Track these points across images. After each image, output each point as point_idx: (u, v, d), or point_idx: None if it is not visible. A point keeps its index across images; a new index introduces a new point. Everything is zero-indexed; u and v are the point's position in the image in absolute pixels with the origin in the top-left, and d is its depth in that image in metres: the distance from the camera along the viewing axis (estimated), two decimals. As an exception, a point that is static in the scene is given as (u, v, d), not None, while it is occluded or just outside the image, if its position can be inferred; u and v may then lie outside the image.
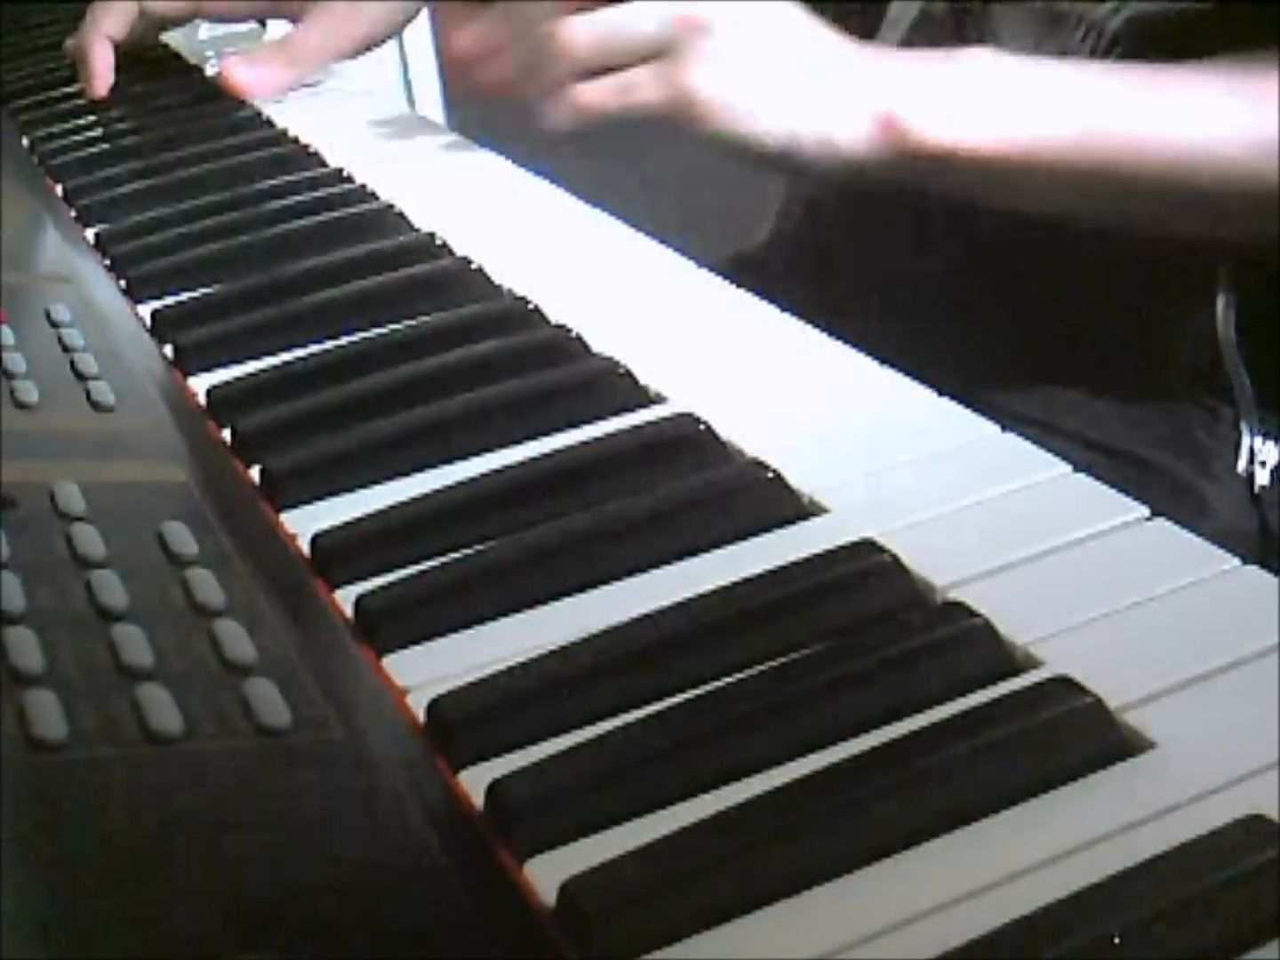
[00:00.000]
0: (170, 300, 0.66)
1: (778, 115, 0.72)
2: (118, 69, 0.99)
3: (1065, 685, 0.37)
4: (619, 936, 0.32)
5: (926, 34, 0.85)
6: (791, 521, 0.47)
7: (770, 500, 0.47)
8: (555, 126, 0.73)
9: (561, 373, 0.56)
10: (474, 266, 0.66)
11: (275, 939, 0.31)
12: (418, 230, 0.71)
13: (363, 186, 0.77)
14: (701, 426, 0.51)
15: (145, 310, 0.65)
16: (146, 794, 0.35)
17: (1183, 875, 0.32)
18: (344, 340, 0.61)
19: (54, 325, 0.61)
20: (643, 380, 0.55)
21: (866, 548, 0.43)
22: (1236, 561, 0.43)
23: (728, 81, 0.71)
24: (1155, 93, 0.72)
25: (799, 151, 0.72)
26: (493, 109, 0.74)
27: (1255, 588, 0.42)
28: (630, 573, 0.45)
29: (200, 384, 0.58)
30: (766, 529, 0.46)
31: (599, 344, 0.58)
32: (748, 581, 0.43)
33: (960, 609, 0.41)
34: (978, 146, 0.71)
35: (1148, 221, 0.74)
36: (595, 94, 0.72)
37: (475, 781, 0.37)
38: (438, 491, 0.49)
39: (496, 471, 0.50)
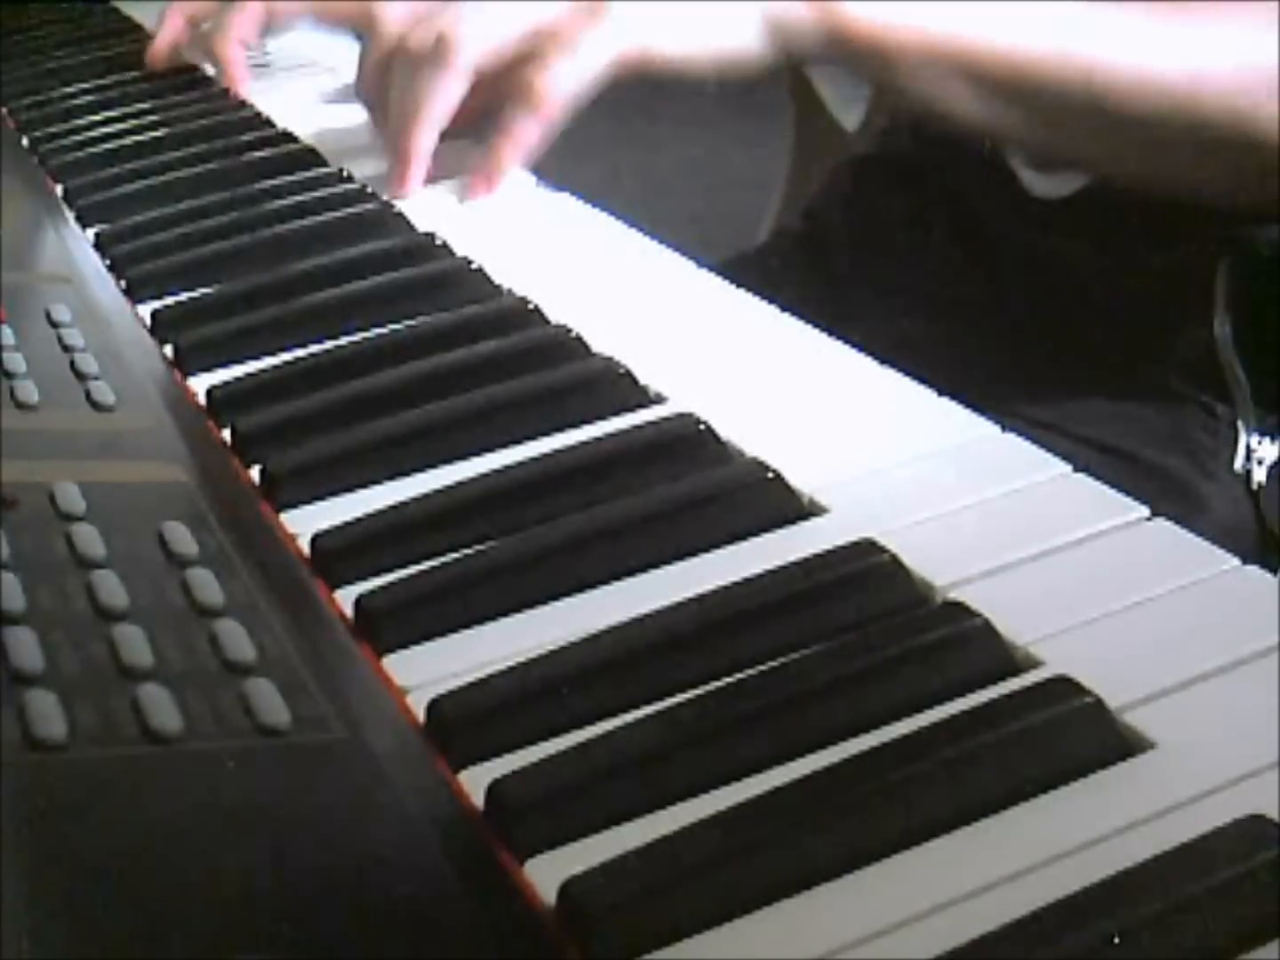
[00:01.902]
0: (170, 300, 0.66)
1: (703, 18, 0.72)
2: (116, 70, 0.99)
3: (1065, 685, 0.37)
4: (619, 936, 0.32)
5: None
6: (791, 521, 0.47)
7: (770, 500, 0.47)
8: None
9: (561, 373, 0.56)
10: (474, 266, 0.66)
11: (275, 939, 0.31)
12: (418, 230, 0.71)
13: (363, 187, 0.77)
14: (701, 426, 0.51)
15: (145, 310, 0.65)
16: (146, 794, 0.35)
17: (1183, 875, 0.32)
18: (344, 340, 0.62)
19: (54, 325, 0.61)
20: (643, 380, 0.55)
21: (866, 548, 0.43)
22: (1236, 561, 0.43)
23: (635, 17, 0.71)
24: (1125, 15, 0.70)
25: (737, 45, 0.72)
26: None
27: (1255, 588, 0.42)
28: (630, 573, 0.45)
29: (200, 384, 0.58)
30: (766, 529, 0.46)
31: (599, 344, 0.58)
32: (748, 581, 0.43)
33: (960, 609, 0.41)
34: (907, 36, 0.70)
35: (1105, 152, 0.73)
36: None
37: (475, 781, 0.37)
38: (438, 491, 0.49)
39: (497, 471, 0.50)
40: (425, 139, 0.74)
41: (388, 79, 0.76)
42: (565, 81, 0.71)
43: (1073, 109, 0.70)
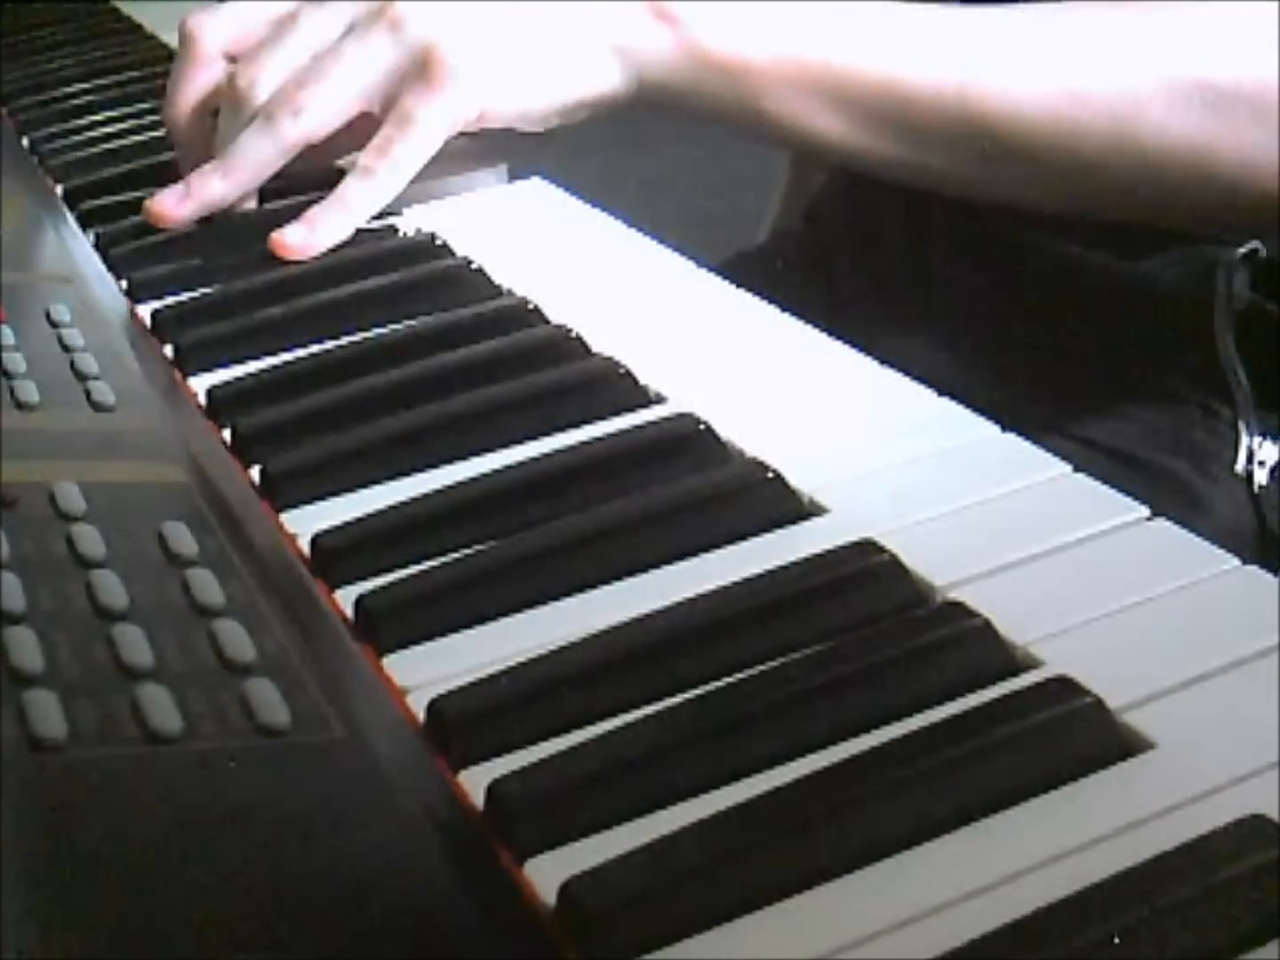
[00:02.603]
0: (170, 300, 0.66)
1: (551, 64, 0.70)
2: (116, 70, 0.99)
3: (1065, 685, 0.37)
4: (619, 936, 0.32)
5: None
6: (791, 521, 0.47)
7: (770, 500, 0.47)
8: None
9: (561, 373, 0.56)
10: (474, 266, 0.66)
11: (275, 939, 0.31)
12: (418, 230, 0.71)
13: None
14: (701, 426, 0.51)
15: (145, 310, 0.65)
16: (146, 794, 0.35)
17: (1183, 875, 0.32)
18: (344, 340, 0.62)
19: (54, 325, 0.61)
20: (643, 380, 0.55)
21: (866, 548, 0.43)
22: (1236, 561, 0.43)
23: (475, 78, 0.68)
24: (999, 34, 0.68)
25: (593, 85, 0.70)
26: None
27: (1255, 588, 0.42)
28: (630, 573, 0.45)
29: (200, 384, 0.58)
30: (766, 529, 0.46)
31: (599, 344, 0.58)
32: (748, 581, 0.43)
33: (960, 609, 0.41)
34: (770, 60, 0.68)
35: (970, 180, 0.71)
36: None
37: (475, 781, 0.37)
38: (438, 491, 0.49)
39: (496, 471, 0.50)
40: (227, 194, 0.71)
41: (212, 117, 0.72)
42: (404, 161, 0.69)
43: (948, 134, 0.68)
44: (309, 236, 0.68)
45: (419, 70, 0.68)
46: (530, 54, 0.70)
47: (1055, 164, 0.68)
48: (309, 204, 0.72)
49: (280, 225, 0.71)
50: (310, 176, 0.75)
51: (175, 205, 0.71)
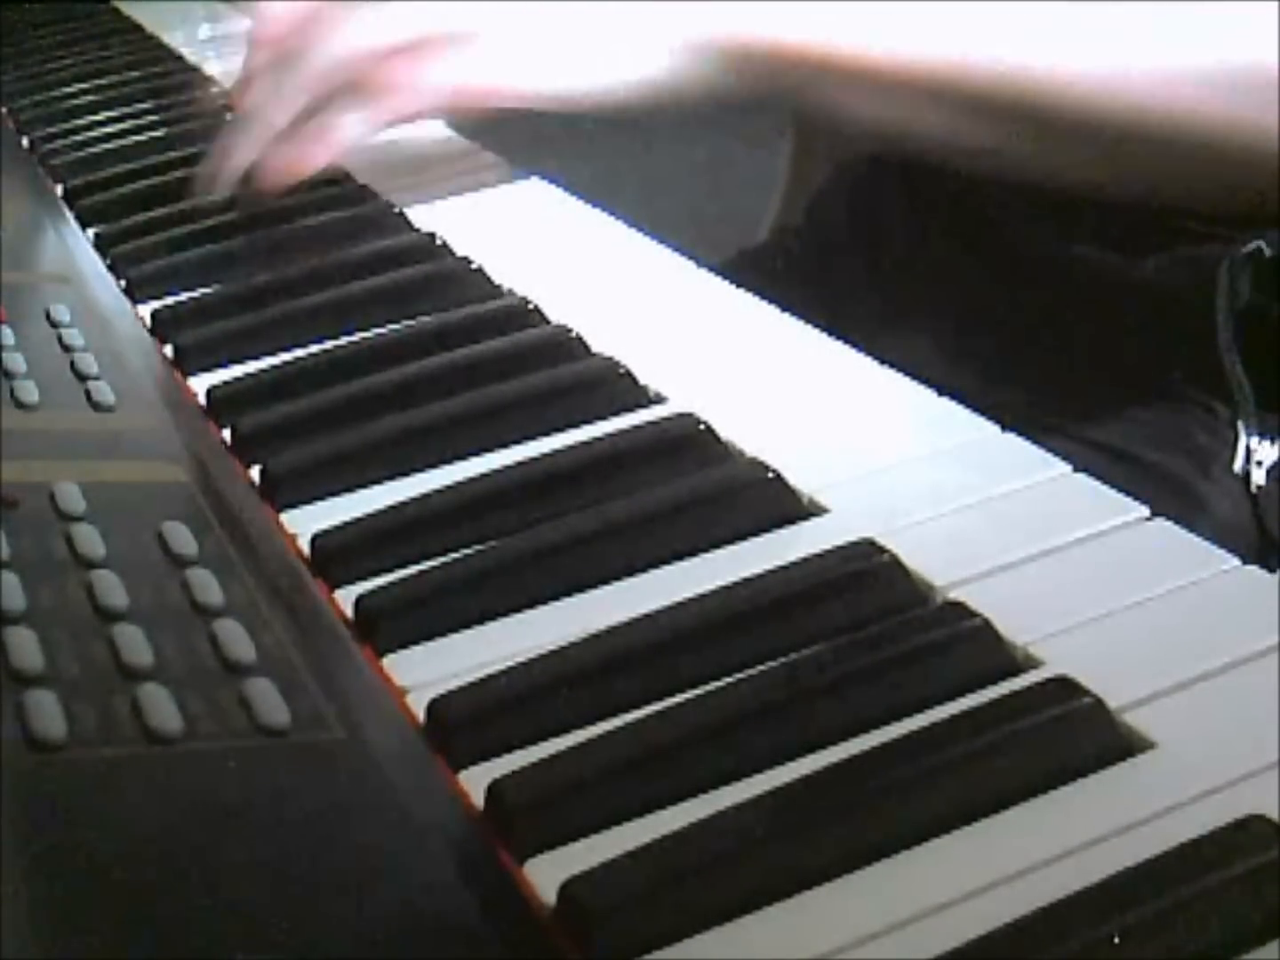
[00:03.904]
0: (170, 300, 0.66)
1: (577, 50, 0.70)
2: (116, 70, 0.99)
3: (1065, 685, 0.37)
4: (619, 936, 0.32)
5: None
6: (791, 521, 0.47)
7: (770, 500, 0.47)
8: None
9: (561, 373, 0.56)
10: (474, 266, 0.66)
11: (275, 939, 0.31)
12: (418, 230, 0.71)
13: (362, 186, 0.77)
14: (701, 426, 0.51)
15: (145, 310, 0.65)
16: (146, 794, 0.35)
17: (1183, 875, 0.32)
18: (344, 340, 0.62)
19: (54, 325, 0.61)
20: (643, 380, 0.55)
21: (866, 548, 0.43)
22: (1236, 561, 0.43)
23: (498, 49, 0.69)
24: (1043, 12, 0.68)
25: (612, 81, 0.70)
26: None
27: (1255, 588, 0.42)
28: (630, 573, 0.45)
29: (200, 384, 0.58)
30: (766, 529, 0.46)
31: (599, 344, 0.58)
32: (748, 581, 0.43)
33: (960, 609, 0.41)
34: (798, 46, 0.68)
35: (1012, 154, 0.71)
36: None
37: (475, 781, 0.37)
38: (438, 491, 0.49)
39: (497, 471, 0.50)
40: (249, 150, 0.71)
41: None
42: (399, 101, 0.69)
43: (996, 110, 0.69)
44: (288, 154, 0.69)
45: (447, 30, 0.68)
46: (560, 37, 0.70)
47: (1107, 139, 0.69)
48: (311, 204, 0.72)
49: (281, 225, 0.71)
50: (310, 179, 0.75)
51: (217, 178, 0.72)
